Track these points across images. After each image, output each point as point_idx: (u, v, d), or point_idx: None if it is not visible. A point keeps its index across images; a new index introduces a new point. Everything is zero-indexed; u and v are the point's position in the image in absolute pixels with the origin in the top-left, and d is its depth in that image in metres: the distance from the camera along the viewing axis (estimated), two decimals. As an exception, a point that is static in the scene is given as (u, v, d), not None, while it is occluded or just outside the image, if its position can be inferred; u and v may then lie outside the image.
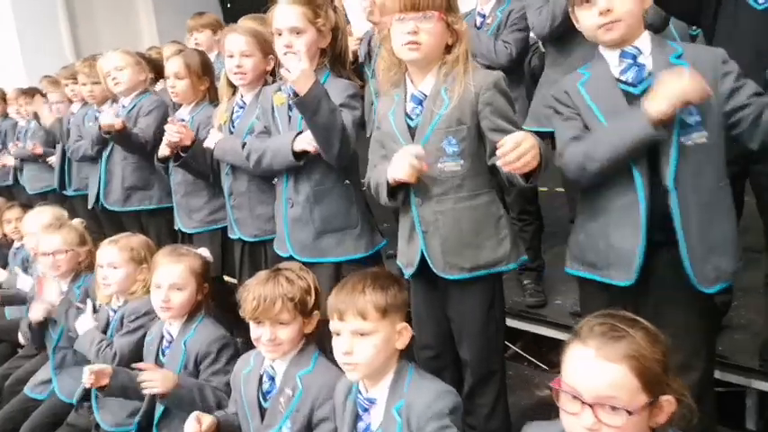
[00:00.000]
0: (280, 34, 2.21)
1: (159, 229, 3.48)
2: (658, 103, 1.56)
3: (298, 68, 2.01)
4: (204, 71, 3.08)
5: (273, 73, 2.73)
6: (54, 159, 4.60)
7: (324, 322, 2.00)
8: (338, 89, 2.17)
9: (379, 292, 1.64)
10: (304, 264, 2.28)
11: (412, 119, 1.90)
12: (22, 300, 3.56)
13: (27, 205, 4.50)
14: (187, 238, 3.14)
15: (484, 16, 3.05)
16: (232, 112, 2.72)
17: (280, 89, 2.34)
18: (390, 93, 1.96)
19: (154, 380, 2.16)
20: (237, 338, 2.37)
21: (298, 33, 2.18)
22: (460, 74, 1.81)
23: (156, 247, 2.68)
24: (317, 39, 2.21)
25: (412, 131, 1.88)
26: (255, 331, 1.92)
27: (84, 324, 2.70)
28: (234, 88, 2.76)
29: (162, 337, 2.38)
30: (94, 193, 3.86)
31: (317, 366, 1.92)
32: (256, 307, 1.87)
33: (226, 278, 3.13)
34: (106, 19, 8.17)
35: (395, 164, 1.80)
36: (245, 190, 2.67)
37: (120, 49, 3.54)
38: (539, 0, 2.65)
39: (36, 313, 2.90)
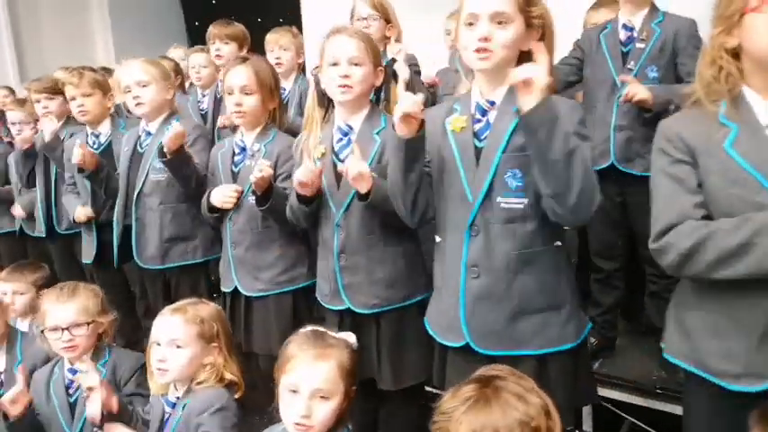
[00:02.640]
0: (471, 23, 1.54)
1: (195, 288, 2.69)
2: None
3: (543, 72, 1.38)
4: (276, 86, 2.38)
5: (378, 91, 2.07)
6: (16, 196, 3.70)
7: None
8: (562, 111, 1.48)
9: None
10: (487, 358, 1.62)
11: None
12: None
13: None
14: (239, 303, 2.39)
15: (631, 29, 2.40)
16: (331, 141, 2.04)
17: (455, 109, 1.67)
18: (706, 112, 1.32)
19: None
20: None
21: (500, 23, 1.52)
22: None
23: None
24: (523, 35, 1.56)
25: None
26: None
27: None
28: (326, 111, 2.08)
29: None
30: (93, 246, 3.06)
31: None
32: None
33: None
34: (56, 39, 7.17)
35: None
36: (363, 247, 1.97)
37: (142, 58, 2.76)
38: None
39: None
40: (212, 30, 3.49)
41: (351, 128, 2.01)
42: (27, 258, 3.94)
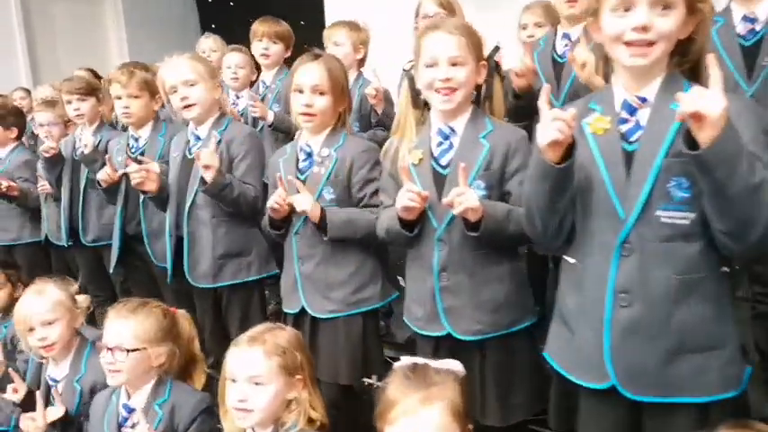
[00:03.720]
0: (627, 9, 1.30)
1: (247, 308, 2.48)
2: None
3: (719, 99, 1.15)
4: (347, 87, 2.16)
5: (479, 89, 1.84)
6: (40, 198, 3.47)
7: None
8: (740, 116, 1.24)
9: None
10: (633, 404, 1.38)
11: None
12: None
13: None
14: (302, 325, 2.13)
15: (753, 21, 2.14)
16: (429, 145, 1.80)
17: (591, 109, 1.43)
18: None
19: None
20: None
21: (664, 8, 1.29)
22: None
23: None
24: (683, 22, 1.31)
25: None
26: None
27: None
28: (421, 111, 1.85)
29: None
30: (115, 253, 2.86)
31: None
32: None
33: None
34: (68, 38, 6.93)
35: None
36: (468, 265, 1.73)
37: (186, 54, 2.53)
38: None
39: None
40: (260, 27, 3.26)
41: (453, 130, 1.77)
42: (50, 269, 3.76)
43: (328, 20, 5.18)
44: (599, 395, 1.41)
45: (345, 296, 2.08)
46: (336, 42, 2.99)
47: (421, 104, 1.83)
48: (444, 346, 1.79)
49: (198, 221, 2.41)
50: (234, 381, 1.61)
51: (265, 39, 3.22)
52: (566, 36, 2.35)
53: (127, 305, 1.91)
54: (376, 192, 2.03)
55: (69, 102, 3.14)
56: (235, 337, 2.47)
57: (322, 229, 2.02)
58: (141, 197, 2.71)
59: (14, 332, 2.85)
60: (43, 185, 3.37)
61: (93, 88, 3.17)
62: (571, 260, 1.47)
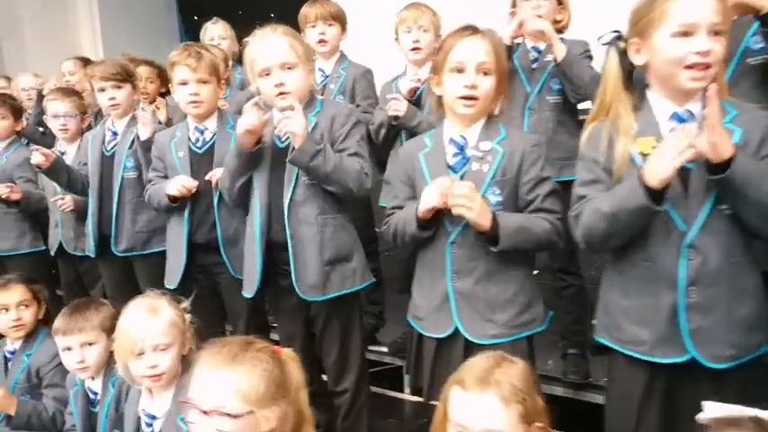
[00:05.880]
0: None
1: (348, 328, 2.14)
2: None
3: None
4: (508, 67, 1.83)
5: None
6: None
7: None
8: None
9: None
10: None
11: None
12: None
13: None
14: (450, 350, 1.78)
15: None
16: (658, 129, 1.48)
17: None
18: None
19: None
20: None
21: None
22: None
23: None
24: None
25: None
26: None
27: None
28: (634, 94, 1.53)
29: None
30: (180, 267, 2.40)
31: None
32: None
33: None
34: (36, 30, 6.28)
35: None
36: (724, 277, 1.42)
37: (280, 29, 2.09)
38: None
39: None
40: (312, 10, 2.86)
41: (691, 113, 1.46)
42: (55, 283, 3.33)
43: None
44: None
45: (510, 318, 1.75)
46: (423, 27, 2.63)
47: (635, 86, 1.52)
48: (662, 374, 1.49)
49: (299, 221, 2.02)
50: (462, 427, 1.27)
51: (320, 22, 2.82)
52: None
53: (224, 349, 1.38)
54: (550, 193, 1.73)
55: (103, 89, 2.70)
56: (331, 367, 2.12)
57: (490, 239, 1.68)
58: (216, 198, 2.30)
59: (40, 364, 2.41)
60: (64, 203, 2.95)
61: (129, 74, 2.73)
62: None
